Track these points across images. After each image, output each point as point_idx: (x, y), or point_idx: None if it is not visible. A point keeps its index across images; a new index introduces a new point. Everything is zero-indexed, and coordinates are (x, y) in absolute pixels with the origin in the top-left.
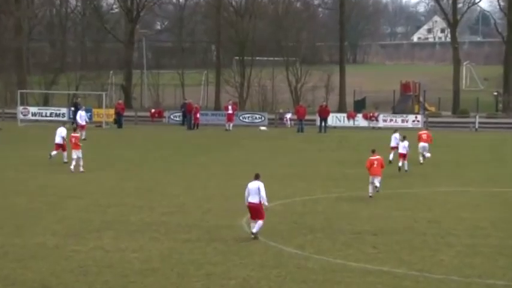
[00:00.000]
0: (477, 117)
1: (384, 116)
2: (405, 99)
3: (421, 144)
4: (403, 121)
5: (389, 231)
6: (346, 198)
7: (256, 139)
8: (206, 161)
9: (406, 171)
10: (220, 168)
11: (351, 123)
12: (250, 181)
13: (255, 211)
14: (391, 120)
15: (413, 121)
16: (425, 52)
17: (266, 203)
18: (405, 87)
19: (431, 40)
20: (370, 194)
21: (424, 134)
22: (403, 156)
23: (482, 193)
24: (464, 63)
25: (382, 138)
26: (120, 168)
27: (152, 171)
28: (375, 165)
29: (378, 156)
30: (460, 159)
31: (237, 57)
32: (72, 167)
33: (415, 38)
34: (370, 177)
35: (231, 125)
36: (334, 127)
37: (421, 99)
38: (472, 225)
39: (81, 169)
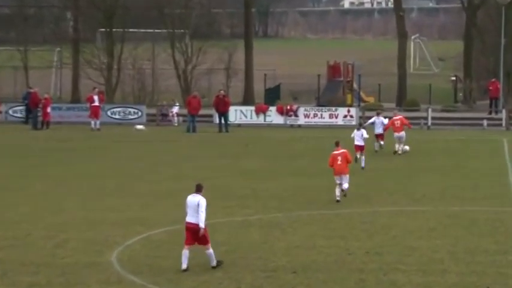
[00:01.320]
0: (430, 110)
1: (305, 110)
2: (334, 87)
3: (396, 134)
4: (331, 116)
5: (313, 268)
6: (256, 223)
7: (131, 142)
8: (61, 174)
9: (362, 168)
10: (80, 183)
11: (261, 119)
12: (191, 193)
13: (194, 234)
14: (315, 115)
15: (345, 116)
16: (360, 22)
17: (202, 225)
18: (334, 70)
19: (367, 6)
20: (338, 198)
21: (397, 120)
22: (360, 148)
23: (438, 213)
24: (413, 38)
25: (307, 141)
26: None
27: None
28: (339, 162)
29: (342, 150)
30: (408, 167)
31: (103, 29)
32: None
33: (346, 4)
34: (335, 177)
35: (98, 122)
36: (239, 125)
37: (355, 86)
38: (425, 257)
39: None
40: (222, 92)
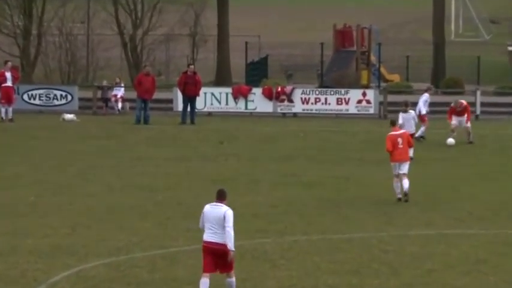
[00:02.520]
0: (478, 93)
1: (303, 93)
2: (343, 60)
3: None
4: (339, 102)
5: None
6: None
7: (56, 139)
8: None
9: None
10: None
11: (240, 105)
12: (210, 202)
13: (218, 258)
14: (317, 100)
15: (360, 102)
16: None
17: (232, 247)
18: (343, 37)
19: None
20: (399, 196)
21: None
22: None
23: (490, 239)
24: None
25: (305, 136)
26: None
27: None
28: (400, 145)
29: (402, 130)
30: (448, 172)
31: None
32: None
33: None
34: (394, 165)
35: (10, 110)
36: (209, 114)
37: (374, 59)
38: None
39: None
40: (191, 67)
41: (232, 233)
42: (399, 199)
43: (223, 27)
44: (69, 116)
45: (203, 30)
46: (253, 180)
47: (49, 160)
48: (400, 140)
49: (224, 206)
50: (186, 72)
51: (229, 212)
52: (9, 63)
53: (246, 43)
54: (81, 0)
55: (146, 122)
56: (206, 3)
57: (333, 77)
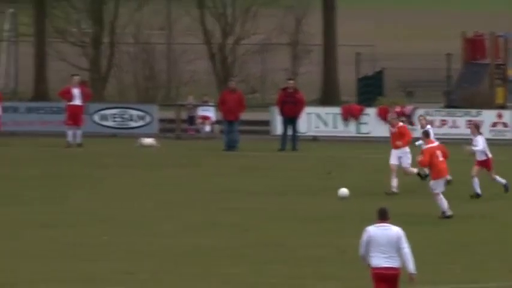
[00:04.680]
0: None
1: (427, 114)
2: (474, 75)
3: None
4: (469, 125)
5: None
6: None
7: (131, 168)
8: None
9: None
10: (40, 234)
11: (351, 129)
12: (374, 223)
13: (392, 285)
14: (443, 122)
15: (494, 125)
16: None
17: (413, 270)
18: (474, 47)
19: None
20: (448, 214)
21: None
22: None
23: None
24: None
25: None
26: None
27: None
28: (440, 158)
29: (437, 143)
30: None
31: None
32: None
33: None
34: (439, 182)
35: (79, 133)
36: (314, 138)
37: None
38: None
39: None
40: (291, 82)
41: (409, 253)
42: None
43: (329, 35)
44: (147, 141)
45: (306, 38)
46: (365, 218)
47: (122, 193)
48: (438, 152)
49: (395, 227)
50: (285, 89)
51: (401, 232)
52: (77, 78)
53: (358, 54)
54: (160, 3)
55: (233, 147)
56: (309, 7)
57: (462, 95)
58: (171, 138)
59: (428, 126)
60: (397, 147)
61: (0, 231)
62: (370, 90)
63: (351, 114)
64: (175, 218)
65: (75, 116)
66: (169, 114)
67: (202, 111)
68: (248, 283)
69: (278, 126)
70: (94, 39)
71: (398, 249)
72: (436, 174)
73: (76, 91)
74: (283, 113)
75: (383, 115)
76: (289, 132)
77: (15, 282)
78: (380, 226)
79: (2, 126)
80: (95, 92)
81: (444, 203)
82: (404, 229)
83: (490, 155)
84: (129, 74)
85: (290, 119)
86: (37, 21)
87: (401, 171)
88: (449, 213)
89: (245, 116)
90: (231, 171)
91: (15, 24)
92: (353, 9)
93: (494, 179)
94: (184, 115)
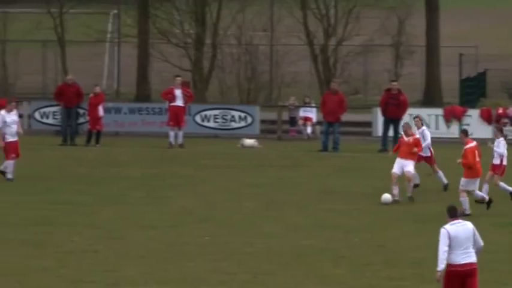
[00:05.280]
0: None
1: None
2: None
3: None
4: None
5: None
6: None
7: (235, 168)
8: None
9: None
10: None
11: (453, 130)
12: (448, 222)
13: (469, 280)
14: None
15: None
16: None
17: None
18: None
19: None
20: (467, 212)
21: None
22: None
23: None
24: None
25: None
26: None
27: None
28: (477, 158)
29: (474, 143)
30: None
31: None
32: None
33: None
34: (470, 181)
35: (181, 134)
36: None
37: None
38: None
39: None
40: (394, 84)
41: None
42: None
43: (432, 36)
44: (249, 142)
45: (408, 39)
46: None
47: (223, 193)
48: (477, 152)
49: (466, 221)
50: (388, 90)
51: (471, 225)
52: (179, 79)
53: (461, 55)
54: (263, 4)
55: (335, 148)
56: (412, 8)
57: None
58: (272, 139)
59: (424, 128)
60: (406, 157)
61: (104, 231)
62: (473, 91)
63: (453, 116)
64: (276, 219)
65: (177, 117)
66: (271, 115)
67: (303, 113)
68: (348, 284)
69: (379, 128)
70: (197, 40)
71: (474, 243)
72: (471, 173)
73: (178, 92)
74: (386, 114)
75: (486, 117)
76: (391, 133)
77: (117, 282)
78: (455, 224)
79: (104, 126)
80: (197, 93)
81: (467, 202)
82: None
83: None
84: (231, 75)
85: (392, 120)
86: (140, 22)
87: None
88: (468, 212)
89: (347, 117)
90: (332, 171)
91: (118, 26)
92: (455, 8)
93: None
94: (285, 116)
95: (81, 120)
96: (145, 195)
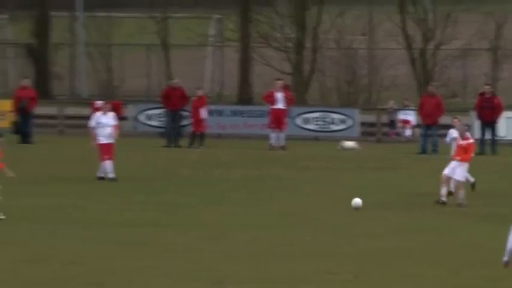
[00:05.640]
0: None
1: None
2: None
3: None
4: None
5: None
6: None
7: (334, 169)
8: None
9: None
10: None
11: None
12: None
13: None
14: None
15: None
16: None
17: None
18: None
19: None
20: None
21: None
22: None
23: None
24: None
25: None
26: (22, 239)
27: (92, 242)
28: None
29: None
30: None
31: None
32: None
33: None
34: None
35: (282, 136)
36: None
37: None
38: None
39: None
40: (487, 87)
41: None
42: None
43: None
44: (348, 144)
45: (506, 43)
46: None
47: (324, 195)
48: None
49: None
50: (482, 94)
51: None
52: (280, 82)
53: None
54: (362, 9)
55: (434, 151)
56: (510, 12)
57: None
58: (372, 142)
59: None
60: (458, 160)
61: (207, 231)
62: None
63: None
64: (375, 220)
65: (278, 120)
66: (370, 117)
67: (402, 115)
68: (446, 284)
69: (477, 131)
70: (297, 44)
71: None
72: None
73: (279, 95)
74: (481, 117)
75: None
76: (488, 136)
77: (222, 280)
78: None
79: (207, 129)
80: (298, 96)
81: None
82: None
83: None
84: (331, 78)
85: (488, 124)
86: (242, 26)
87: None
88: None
89: (445, 119)
90: (430, 174)
91: (220, 30)
92: None
93: None
94: (385, 119)
95: (185, 122)
96: (246, 196)
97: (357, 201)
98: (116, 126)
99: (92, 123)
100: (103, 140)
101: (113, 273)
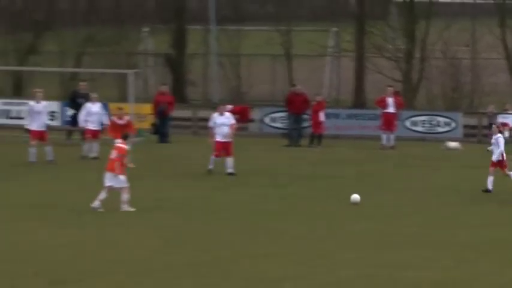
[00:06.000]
0: None
1: None
2: None
3: None
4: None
5: None
6: None
7: (438, 167)
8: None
9: None
10: (357, 225)
11: None
12: None
13: None
14: None
15: None
16: None
17: None
18: None
19: None
20: None
21: None
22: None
23: None
24: None
25: None
26: (162, 226)
27: (224, 230)
28: None
29: None
30: None
31: (399, 1)
32: (98, 202)
33: None
34: None
35: (392, 137)
36: None
37: None
38: None
39: (125, 208)
40: None
41: None
42: None
43: None
44: (452, 144)
45: None
46: None
47: (429, 190)
48: None
49: None
50: None
51: None
52: (391, 89)
53: None
54: (466, 23)
55: None
56: None
57: None
58: (473, 142)
59: (499, 135)
60: None
61: (325, 221)
62: None
63: None
64: (477, 213)
65: (389, 122)
66: (472, 121)
67: (502, 119)
68: None
69: None
70: (407, 54)
71: None
72: None
73: (390, 100)
74: None
75: None
76: None
77: (336, 264)
78: None
79: (325, 130)
80: (407, 101)
81: None
82: None
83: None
84: (437, 85)
85: None
86: (357, 38)
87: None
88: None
89: None
90: None
91: (338, 42)
92: None
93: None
94: (485, 122)
95: (305, 124)
96: (360, 190)
97: (355, 197)
98: (232, 126)
99: (211, 123)
100: (219, 138)
101: (240, 259)
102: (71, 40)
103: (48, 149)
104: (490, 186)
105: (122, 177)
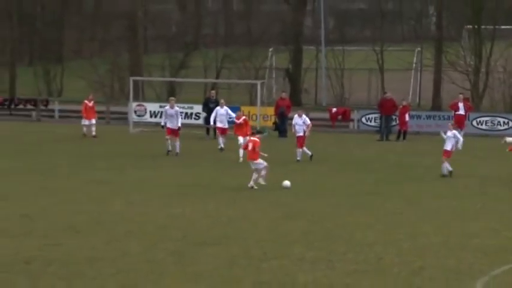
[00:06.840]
0: None
1: None
2: None
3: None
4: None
5: None
6: None
7: (499, 160)
8: (413, 192)
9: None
10: (436, 203)
11: None
12: None
13: None
14: None
15: None
16: None
17: None
18: None
19: None
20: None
21: None
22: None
23: None
24: None
25: None
26: (281, 202)
27: (329, 206)
28: None
29: None
30: None
31: (470, 26)
32: (252, 182)
33: None
34: None
35: (462, 133)
36: None
37: None
38: None
39: (261, 181)
40: None
41: None
42: None
43: None
44: (510, 139)
45: None
46: None
47: (491, 175)
48: None
49: None
50: None
51: None
52: (461, 96)
53: None
54: None
55: None
56: None
57: None
58: None
59: None
60: None
61: (406, 200)
62: None
63: None
64: None
65: (460, 122)
66: None
67: None
68: None
69: None
70: (475, 69)
71: None
72: None
73: (461, 105)
74: None
75: None
76: None
77: (417, 234)
78: None
79: (409, 128)
80: (474, 105)
81: None
82: None
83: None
84: (499, 93)
85: None
86: (436, 56)
87: None
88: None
89: None
90: None
91: (420, 59)
92: None
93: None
94: None
95: (393, 123)
96: (437, 176)
97: (286, 183)
98: (308, 126)
99: (293, 124)
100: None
101: (341, 227)
102: (213, 57)
103: (177, 144)
104: None
105: (260, 161)
